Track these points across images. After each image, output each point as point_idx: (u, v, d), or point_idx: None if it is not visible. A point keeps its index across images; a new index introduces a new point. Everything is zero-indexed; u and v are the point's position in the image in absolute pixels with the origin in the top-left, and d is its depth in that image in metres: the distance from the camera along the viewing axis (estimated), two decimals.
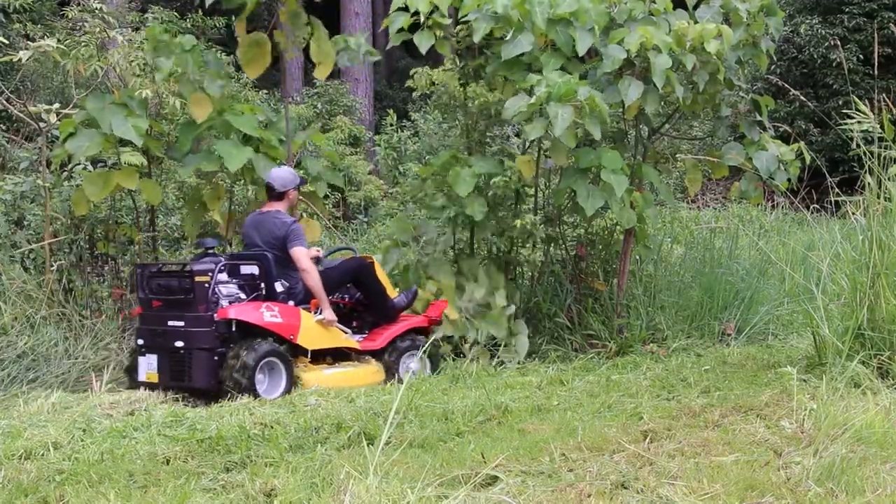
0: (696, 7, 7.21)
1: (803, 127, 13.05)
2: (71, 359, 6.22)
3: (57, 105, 7.14)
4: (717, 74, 6.90)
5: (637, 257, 8.21)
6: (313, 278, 6.24)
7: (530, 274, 8.08)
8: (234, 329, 5.87)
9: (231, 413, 5.06)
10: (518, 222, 7.15)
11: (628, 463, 3.74)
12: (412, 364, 6.54)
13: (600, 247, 8.27)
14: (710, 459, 3.73)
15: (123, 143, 6.64)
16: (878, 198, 5.54)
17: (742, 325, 7.86)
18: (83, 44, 7.12)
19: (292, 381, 5.90)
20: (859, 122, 5.62)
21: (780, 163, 7.36)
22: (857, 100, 5.72)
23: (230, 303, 6.01)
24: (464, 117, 8.02)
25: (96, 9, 7.46)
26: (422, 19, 6.88)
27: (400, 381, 6.33)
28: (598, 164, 6.72)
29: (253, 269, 6.25)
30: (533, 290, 7.91)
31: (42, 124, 7.03)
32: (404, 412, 4.75)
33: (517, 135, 9.07)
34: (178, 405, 5.44)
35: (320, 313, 6.26)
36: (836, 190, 6.22)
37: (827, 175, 6.51)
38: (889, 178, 5.61)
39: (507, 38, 6.79)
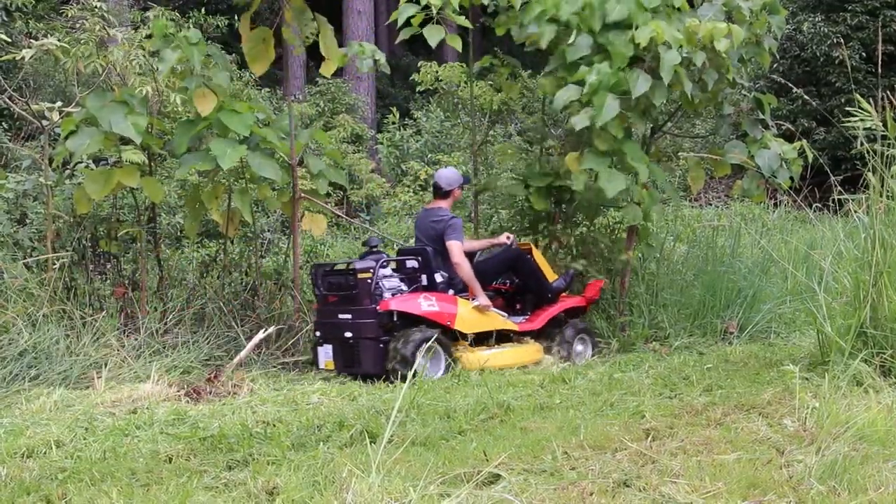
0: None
1: (806, 125, 13.02)
2: (73, 356, 6.22)
3: (59, 103, 7.15)
4: (726, 74, 6.92)
5: (639, 255, 8.21)
6: (465, 270, 6.77)
7: None
8: (395, 319, 6.40)
9: (233, 411, 5.07)
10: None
11: (630, 461, 3.74)
12: (578, 347, 7.06)
13: (602, 245, 8.27)
14: (713, 458, 3.73)
15: (125, 140, 6.64)
16: (881, 196, 5.53)
17: (744, 324, 7.86)
18: (82, 42, 7.12)
19: (452, 363, 6.40)
20: (862, 119, 5.60)
21: (782, 161, 7.36)
22: (859, 98, 5.71)
23: (393, 295, 6.57)
24: (467, 115, 8.05)
25: (95, 7, 7.45)
26: (433, 13, 6.88)
27: (564, 358, 6.88)
28: (620, 149, 6.78)
29: (414, 263, 6.83)
30: None
31: (44, 122, 7.03)
32: (406, 410, 4.75)
33: (519, 133, 9.06)
34: (181, 403, 5.44)
35: (476, 300, 6.71)
36: (839, 188, 6.21)
37: (830, 173, 6.51)
38: (892, 176, 5.60)
39: (570, 41, 6.80)
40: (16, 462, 4.03)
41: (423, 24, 7.07)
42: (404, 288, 6.72)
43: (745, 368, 5.87)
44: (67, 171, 7.40)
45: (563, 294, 7.25)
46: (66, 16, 8.74)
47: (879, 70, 8.60)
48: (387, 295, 6.57)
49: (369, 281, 6.48)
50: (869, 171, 5.61)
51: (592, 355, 7.11)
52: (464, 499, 3.19)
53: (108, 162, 7.29)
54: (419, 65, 8.32)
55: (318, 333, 6.72)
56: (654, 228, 8.32)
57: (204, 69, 6.57)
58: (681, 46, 6.64)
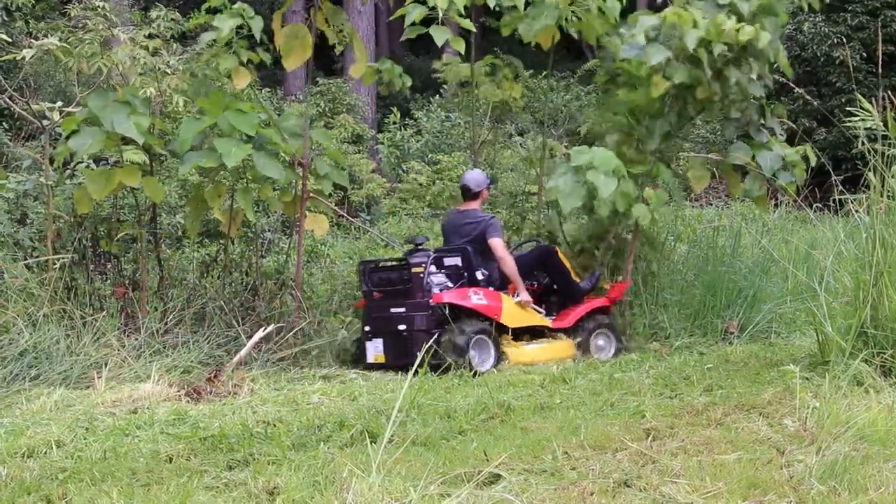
0: None
1: (807, 125, 13.01)
2: (73, 356, 6.22)
3: (60, 103, 7.15)
4: (749, 73, 7.02)
5: (640, 255, 8.21)
6: (509, 265, 7.07)
7: None
8: (447, 312, 6.68)
9: (233, 411, 5.07)
10: None
11: (631, 461, 3.74)
12: (599, 341, 7.28)
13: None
14: (713, 458, 3.73)
15: (126, 140, 6.64)
16: (882, 196, 5.52)
17: (745, 324, 7.85)
18: (86, 42, 7.12)
19: (499, 355, 6.71)
20: (863, 119, 5.59)
21: (784, 163, 7.40)
22: (860, 97, 5.70)
23: (441, 290, 6.87)
24: (468, 115, 8.09)
25: (98, 7, 7.46)
26: (439, 14, 6.92)
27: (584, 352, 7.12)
28: (590, 163, 6.82)
29: (456, 261, 7.13)
30: None
31: (45, 122, 7.03)
32: (407, 410, 4.75)
33: (521, 133, 9.06)
34: (181, 403, 5.44)
35: (518, 296, 7.03)
36: (840, 188, 6.21)
37: (831, 173, 6.50)
38: (892, 176, 5.59)
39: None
40: (16, 462, 4.03)
41: (424, 24, 7.13)
42: (450, 284, 7.00)
43: (745, 368, 5.87)
44: (68, 171, 7.40)
45: (588, 295, 7.47)
46: (70, 15, 8.74)
47: (880, 70, 8.60)
48: (435, 290, 6.85)
49: (421, 276, 6.77)
50: (870, 170, 5.61)
51: (616, 353, 7.20)
52: (464, 499, 3.19)
53: (109, 162, 7.29)
54: (441, 64, 8.41)
55: (366, 328, 6.95)
56: (656, 229, 8.34)
57: (242, 47, 6.76)
58: (703, 39, 6.75)
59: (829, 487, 3.32)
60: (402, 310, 6.78)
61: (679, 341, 7.40)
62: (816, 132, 12.95)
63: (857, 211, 6.12)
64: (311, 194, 7.33)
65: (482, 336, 6.64)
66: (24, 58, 6.91)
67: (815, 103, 11.45)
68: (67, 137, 6.43)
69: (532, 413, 4.81)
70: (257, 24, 6.65)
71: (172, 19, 7.99)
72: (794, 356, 6.02)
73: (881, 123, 5.55)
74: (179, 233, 9.15)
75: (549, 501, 3.28)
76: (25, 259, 6.95)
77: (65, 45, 7.07)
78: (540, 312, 7.21)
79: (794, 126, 11.01)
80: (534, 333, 7.16)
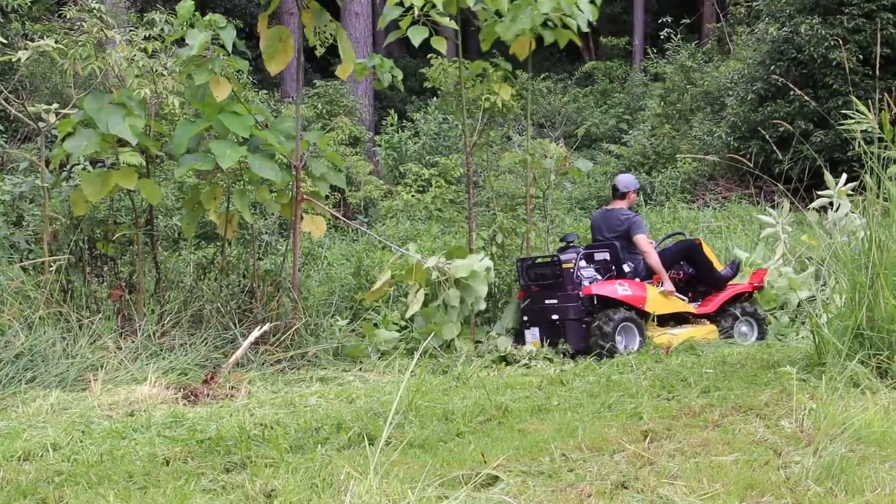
0: None
1: (803, 127, 13.05)
2: (69, 358, 6.21)
3: (56, 105, 7.13)
4: None
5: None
6: (653, 259, 7.74)
7: None
8: (595, 302, 7.39)
9: (231, 414, 5.06)
10: None
11: (628, 463, 3.74)
12: (743, 328, 7.83)
13: None
14: (710, 459, 3.73)
15: (122, 142, 6.63)
16: (878, 198, 5.53)
17: None
18: (81, 43, 7.11)
19: (644, 340, 7.31)
20: (859, 122, 5.60)
21: None
22: (856, 100, 5.71)
23: (591, 282, 7.57)
24: (461, 117, 8.09)
25: (94, 8, 7.44)
26: (416, 13, 6.94)
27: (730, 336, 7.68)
28: None
29: (605, 255, 7.80)
30: None
31: (41, 124, 7.02)
32: (404, 412, 4.75)
33: (520, 133, 9.03)
34: (178, 406, 5.43)
35: (662, 286, 7.69)
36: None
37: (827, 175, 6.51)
38: (888, 178, 5.60)
39: None
40: (12, 465, 4.02)
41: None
42: (599, 277, 7.69)
43: (742, 370, 5.86)
44: (64, 174, 7.39)
45: (730, 282, 8.02)
46: (65, 17, 8.73)
47: (877, 73, 8.61)
48: (585, 282, 7.56)
49: (571, 270, 7.46)
50: (866, 173, 5.61)
51: (759, 339, 7.66)
52: (462, 501, 3.19)
53: (105, 164, 7.28)
54: (431, 67, 8.41)
55: (525, 318, 7.67)
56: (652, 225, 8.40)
57: (222, 55, 6.69)
58: None
59: (826, 489, 3.32)
60: (555, 301, 7.48)
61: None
62: (813, 134, 13.01)
63: (853, 212, 6.12)
64: (307, 196, 7.32)
65: (628, 323, 7.27)
66: (19, 59, 6.90)
67: (812, 105, 11.46)
68: (63, 139, 6.42)
69: (529, 415, 4.81)
70: (229, 35, 6.52)
71: (167, 22, 7.97)
72: (790, 358, 6.01)
73: (877, 126, 5.56)
74: (176, 235, 9.14)
75: (546, 503, 3.27)
76: (21, 261, 6.94)
77: (61, 47, 7.06)
78: (683, 300, 7.76)
79: (791, 128, 11.03)
80: (678, 319, 7.75)
